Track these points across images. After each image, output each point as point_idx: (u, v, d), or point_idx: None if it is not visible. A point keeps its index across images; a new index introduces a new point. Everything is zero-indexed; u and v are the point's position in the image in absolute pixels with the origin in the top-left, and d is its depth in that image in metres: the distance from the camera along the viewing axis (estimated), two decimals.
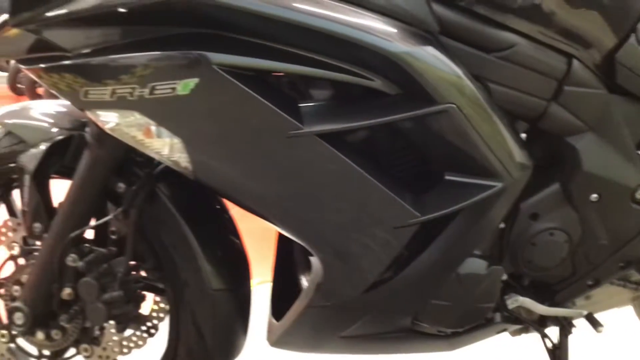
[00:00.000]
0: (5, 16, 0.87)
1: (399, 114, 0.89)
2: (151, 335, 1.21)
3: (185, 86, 0.82)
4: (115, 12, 0.80)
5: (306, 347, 1.21)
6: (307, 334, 1.13)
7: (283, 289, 1.20)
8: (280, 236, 1.24)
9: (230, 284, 1.11)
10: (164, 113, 0.86)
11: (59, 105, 1.15)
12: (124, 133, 0.89)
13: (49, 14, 0.81)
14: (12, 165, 1.14)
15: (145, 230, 1.08)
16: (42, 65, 0.85)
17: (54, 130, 1.09)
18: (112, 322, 1.11)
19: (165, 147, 0.89)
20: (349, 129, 0.89)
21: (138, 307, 1.13)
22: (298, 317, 1.09)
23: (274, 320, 1.19)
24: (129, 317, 1.11)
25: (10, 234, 1.15)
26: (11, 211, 1.23)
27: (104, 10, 0.80)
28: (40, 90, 6.96)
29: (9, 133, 1.14)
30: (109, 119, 0.88)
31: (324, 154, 0.88)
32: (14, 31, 0.86)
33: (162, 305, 1.19)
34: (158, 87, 0.82)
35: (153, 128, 0.87)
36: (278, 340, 1.17)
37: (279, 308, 1.17)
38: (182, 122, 0.87)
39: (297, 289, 1.21)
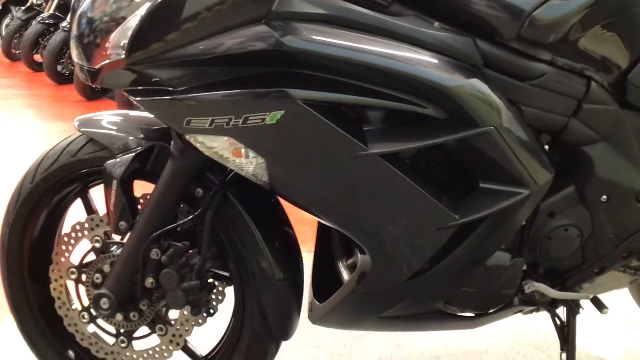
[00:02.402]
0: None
1: (447, 136, 1.05)
2: (211, 315, 1.39)
3: (273, 117, 0.98)
4: (218, 56, 0.94)
5: (345, 325, 1.39)
6: (348, 314, 1.30)
7: (322, 272, 1.38)
8: (320, 227, 1.40)
9: (288, 274, 1.28)
10: (253, 138, 1.01)
11: (137, 115, 1.30)
12: (216, 153, 1.04)
13: (164, 56, 0.95)
14: (93, 169, 1.29)
15: (217, 228, 1.24)
16: (153, 98, 0.99)
17: (137, 140, 1.24)
18: (187, 306, 1.28)
19: (250, 165, 1.05)
20: (405, 150, 1.05)
21: (209, 293, 1.30)
22: (342, 301, 1.26)
23: (316, 302, 1.36)
24: (202, 302, 1.28)
25: (93, 229, 1.31)
26: (89, 208, 1.38)
27: (210, 54, 0.94)
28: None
29: (90, 141, 1.28)
30: (205, 142, 1.03)
31: (383, 171, 1.04)
32: (123, 68, 0.99)
33: (220, 289, 1.36)
34: (250, 118, 0.98)
35: (242, 150, 1.03)
36: (320, 319, 1.34)
37: (318, 289, 1.34)
38: (267, 146, 1.02)
39: (335, 272, 1.39)
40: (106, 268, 1.29)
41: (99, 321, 1.37)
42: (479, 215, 1.12)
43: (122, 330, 1.35)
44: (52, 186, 1.32)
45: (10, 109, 5.23)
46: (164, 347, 1.34)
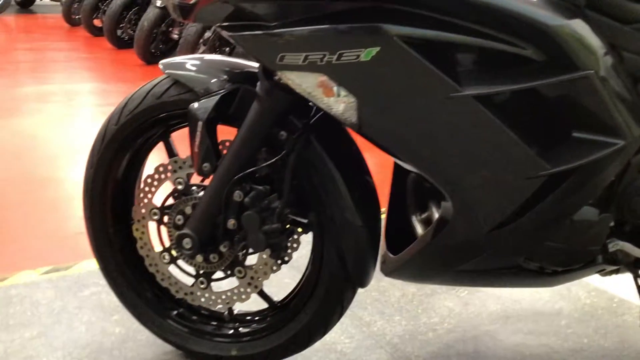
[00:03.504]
0: None
1: (545, 79, 1.01)
2: (285, 262, 1.40)
3: (368, 54, 0.96)
4: None
5: (418, 278, 1.38)
6: (423, 267, 1.29)
7: (395, 226, 1.37)
8: (394, 182, 1.39)
9: (367, 221, 1.27)
10: (346, 76, 1.00)
11: (222, 59, 1.30)
12: (307, 91, 1.04)
13: None
14: (177, 111, 1.31)
15: (298, 172, 1.24)
16: (245, 33, 0.99)
17: (222, 82, 1.24)
18: (267, 250, 1.29)
19: (341, 104, 1.03)
20: (500, 92, 1.02)
21: (288, 238, 1.30)
22: (417, 253, 1.25)
23: (389, 254, 1.36)
24: (281, 246, 1.29)
25: (176, 171, 1.32)
26: (171, 152, 1.40)
27: None
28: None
29: (175, 83, 1.30)
30: (297, 80, 1.02)
31: (476, 113, 1.02)
32: (219, 2, 0.99)
33: (296, 237, 1.36)
34: (345, 55, 0.96)
35: (334, 88, 1.02)
36: (393, 272, 1.33)
37: (391, 243, 1.34)
38: (360, 84, 1.01)
39: (408, 227, 1.38)
40: (188, 210, 1.31)
41: (179, 262, 1.40)
42: (570, 165, 1.09)
43: (201, 272, 1.37)
44: (136, 128, 1.34)
45: (71, 70, 5.36)
46: (241, 290, 1.36)
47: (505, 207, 1.14)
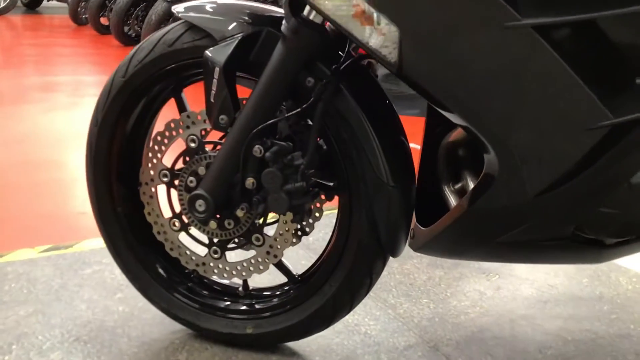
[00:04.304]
0: None
1: (616, 9, 0.88)
2: (306, 234, 1.27)
3: None
4: None
5: (451, 252, 1.25)
6: (458, 240, 1.16)
7: (425, 196, 1.24)
8: (424, 148, 1.26)
9: (401, 181, 1.14)
10: (388, 1, 0.87)
11: (242, 3, 1.18)
12: (342, 20, 0.91)
13: None
14: (191, 60, 1.18)
15: (326, 126, 1.12)
16: None
17: (242, 25, 1.12)
18: (290, 213, 1.17)
19: (380, 36, 0.91)
20: (562, 23, 0.90)
21: (313, 200, 1.17)
22: (451, 224, 1.12)
23: (419, 227, 1.23)
24: (305, 209, 1.16)
25: (189, 127, 1.20)
26: (182, 108, 1.27)
27: None
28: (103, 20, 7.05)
29: (191, 28, 1.17)
30: (332, 4, 0.90)
31: (535, 47, 0.89)
32: None
33: (319, 205, 1.24)
34: None
35: (374, 15, 0.89)
36: (423, 246, 1.20)
37: (421, 216, 1.21)
38: (404, 10, 0.88)
39: (439, 196, 1.26)
40: (201, 170, 1.19)
41: (191, 230, 1.27)
42: (633, 116, 0.96)
43: (215, 240, 1.24)
44: (145, 80, 1.22)
45: (77, 64, 5.26)
46: (259, 260, 1.23)
47: (559, 165, 1.01)
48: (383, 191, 1.12)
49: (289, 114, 1.08)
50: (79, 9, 8.20)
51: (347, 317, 1.44)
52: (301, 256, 1.78)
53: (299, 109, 1.08)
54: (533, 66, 0.92)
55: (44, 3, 10.52)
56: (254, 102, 1.10)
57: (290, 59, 1.06)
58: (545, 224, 1.10)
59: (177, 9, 1.19)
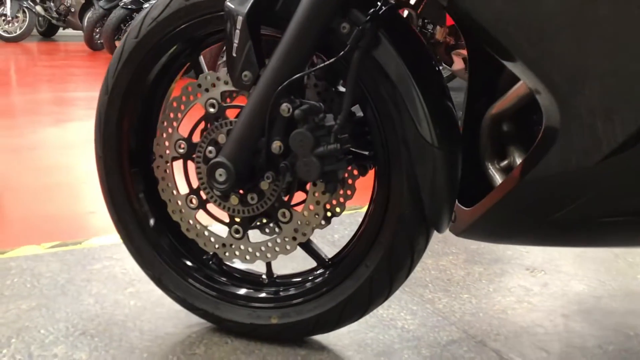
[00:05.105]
0: None
1: None
2: (337, 214, 1.13)
3: None
4: None
5: (498, 235, 1.11)
6: (507, 219, 1.03)
7: (467, 175, 1.10)
8: (465, 121, 1.13)
9: (448, 144, 1.01)
10: None
11: None
12: None
13: None
14: (210, 16, 1.07)
15: (361, 83, 0.99)
16: None
17: None
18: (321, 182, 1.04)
19: None
20: None
21: (346, 167, 1.04)
22: (501, 200, 0.99)
23: (461, 207, 1.09)
24: (338, 177, 1.02)
25: (207, 90, 1.08)
26: (199, 72, 1.16)
27: None
28: None
29: None
30: None
31: None
32: None
33: (350, 183, 1.10)
34: None
35: None
36: (466, 229, 1.07)
37: (462, 195, 1.08)
38: None
39: (483, 175, 1.12)
40: (222, 139, 1.07)
41: (210, 208, 1.15)
42: None
43: (236, 219, 1.11)
44: (160, 40, 1.10)
45: (90, 82, 5.20)
46: (286, 239, 1.09)
47: (630, 123, 0.87)
48: (428, 154, 0.99)
49: (321, 65, 0.96)
50: (94, 34, 8.24)
51: (380, 311, 1.30)
52: (327, 253, 1.64)
53: (333, 59, 0.95)
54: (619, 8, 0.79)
55: (60, 31, 10.60)
56: (282, 54, 0.98)
57: (321, 2, 0.94)
58: (607, 196, 0.96)
59: None
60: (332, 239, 1.74)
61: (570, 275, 1.54)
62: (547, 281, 1.51)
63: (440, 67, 3.96)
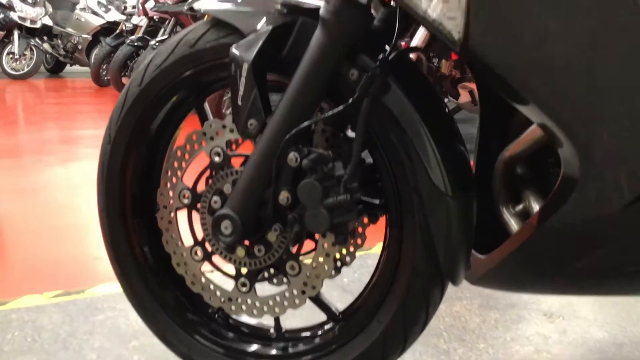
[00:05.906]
0: None
1: None
2: (347, 264, 1.09)
3: None
4: None
5: (516, 284, 1.07)
6: (525, 267, 0.98)
7: (480, 220, 1.06)
8: (478, 165, 1.09)
9: (461, 192, 0.97)
10: None
11: None
12: None
13: None
14: (215, 62, 1.04)
15: (371, 130, 0.96)
16: None
17: (274, 17, 0.98)
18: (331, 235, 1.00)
19: (442, 3, 0.76)
20: None
21: (357, 218, 1.00)
22: (519, 248, 0.95)
23: (477, 254, 1.05)
24: (348, 229, 0.98)
25: (212, 138, 1.05)
26: (204, 120, 1.13)
27: None
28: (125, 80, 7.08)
29: (215, 25, 1.03)
30: None
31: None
32: None
33: (360, 231, 1.06)
34: None
35: None
36: (482, 277, 1.03)
37: (477, 243, 1.03)
38: None
39: (497, 220, 1.08)
40: (227, 189, 1.03)
41: (215, 261, 1.10)
42: None
43: (243, 271, 1.07)
44: (163, 88, 1.07)
45: (97, 119, 5.22)
46: (294, 293, 1.05)
47: None
48: (441, 203, 0.95)
49: (330, 112, 0.93)
50: (101, 70, 8.30)
51: None
52: (336, 298, 1.59)
53: (342, 106, 0.92)
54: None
55: (67, 68, 10.69)
56: (289, 102, 0.95)
57: (331, 46, 0.91)
58: (633, 244, 0.91)
59: (199, 4, 1.06)
60: (342, 283, 1.68)
61: (589, 321, 1.48)
62: (566, 328, 1.45)
63: (447, 100, 3.91)
